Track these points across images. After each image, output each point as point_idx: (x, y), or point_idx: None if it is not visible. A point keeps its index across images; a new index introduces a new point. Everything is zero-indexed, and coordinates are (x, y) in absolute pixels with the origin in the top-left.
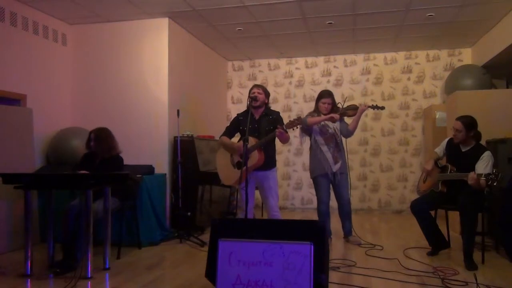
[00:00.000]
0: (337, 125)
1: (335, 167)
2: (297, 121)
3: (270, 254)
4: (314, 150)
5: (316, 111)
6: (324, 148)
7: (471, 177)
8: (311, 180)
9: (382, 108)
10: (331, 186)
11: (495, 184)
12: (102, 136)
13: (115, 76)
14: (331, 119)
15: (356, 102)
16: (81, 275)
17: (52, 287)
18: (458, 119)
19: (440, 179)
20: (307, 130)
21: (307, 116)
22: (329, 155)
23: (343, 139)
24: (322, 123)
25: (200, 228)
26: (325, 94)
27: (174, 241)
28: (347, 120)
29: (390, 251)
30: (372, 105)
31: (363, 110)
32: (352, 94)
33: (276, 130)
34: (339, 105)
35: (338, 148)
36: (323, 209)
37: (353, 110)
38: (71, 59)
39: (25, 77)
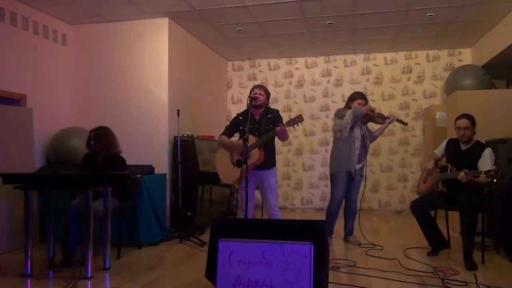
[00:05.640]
0: (365, 128)
1: (357, 166)
2: (298, 119)
3: (270, 254)
4: (342, 145)
5: (347, 109)
6: (356, 147)
7: (461, 176)
8: (311, 180)
9: (406, 124)
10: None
11: (495, 180)
12: (102, 135)
13: (115, 76)
14: (370, 111)
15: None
16: (81, 275)
17: (52, 287)
18: (463, 117)
19: (440, 179)
20: (357, 121)
21: (346, 110)
22: (356, 154)
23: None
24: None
25: (200, 228)
26: (361, 96)
27: (174, 241)
28: (370, 127)
29: (390, 251)
30: (399, 119)
31: (391, 122)
32: None
33: (277, 127)
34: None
35: (364, 150)
36: (334, 210)
37: (382, 118)
38: (71, 59)
39: (25, 77)
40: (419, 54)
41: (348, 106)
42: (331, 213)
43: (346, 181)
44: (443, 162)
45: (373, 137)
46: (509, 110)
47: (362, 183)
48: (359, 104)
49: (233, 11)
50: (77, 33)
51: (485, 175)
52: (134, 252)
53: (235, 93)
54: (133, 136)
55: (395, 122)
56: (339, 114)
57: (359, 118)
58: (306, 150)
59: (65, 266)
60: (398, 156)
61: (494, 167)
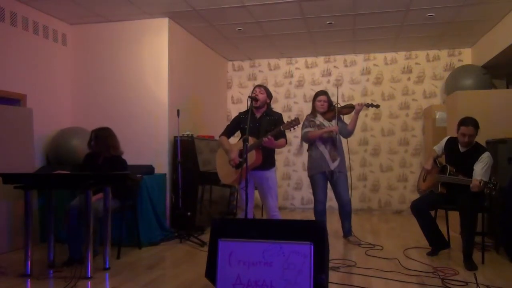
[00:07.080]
0: (334, 124)
1: (333, 165)
2: (294, 122)
3: (270, 254)
4: (311, 149)
5: (313, 111)
6: (321, 147)
7: (474, 185)
8: None
9: (377, 106)
10: (329, 185)
11: (493, 193)
12: (102, 135)
13: (115, 76)
14: (329, 133)
15: (356, 102)
16: (81, 275)
17: (52, 287)
18: (470, 124)
19: (440, 181)
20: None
21: (306, 129)
22: (326, 153)
23: (342, 138)
24: (318, 122)
25: (200, 228)
26: (320, 93)
27: (174, 241)
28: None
29: (390, 251)
30: (367, 103)
31: (359, 110)
32: (352, 94)
33: (264, 138)
34: (338, 105)
35: (335, 147)
36: (319, 209)
37: (348, 108)
38: (71, 59)
39: (25, 77)
40: (419, 54)
41: (312, 106)
42: (317, 212)
43: (323, 181)
44: (442, 160)
45: (347, 131)
46: (509, 110)
47: (361, 183)
48: (319, 101)
49: (233, 11)
50: (77, 33)
51: (483, 186)
52: (134, 252)
53: (235, 93)
54: (133, 136)
55: (375, 109)
56: (303, 124)
57: (306, 141)
58: (306, 150)
59: (72, 265)
60: (398, 156)
61: (492, 179)
